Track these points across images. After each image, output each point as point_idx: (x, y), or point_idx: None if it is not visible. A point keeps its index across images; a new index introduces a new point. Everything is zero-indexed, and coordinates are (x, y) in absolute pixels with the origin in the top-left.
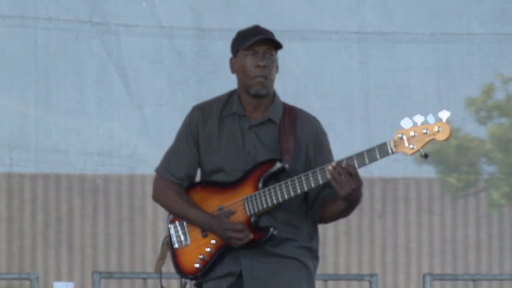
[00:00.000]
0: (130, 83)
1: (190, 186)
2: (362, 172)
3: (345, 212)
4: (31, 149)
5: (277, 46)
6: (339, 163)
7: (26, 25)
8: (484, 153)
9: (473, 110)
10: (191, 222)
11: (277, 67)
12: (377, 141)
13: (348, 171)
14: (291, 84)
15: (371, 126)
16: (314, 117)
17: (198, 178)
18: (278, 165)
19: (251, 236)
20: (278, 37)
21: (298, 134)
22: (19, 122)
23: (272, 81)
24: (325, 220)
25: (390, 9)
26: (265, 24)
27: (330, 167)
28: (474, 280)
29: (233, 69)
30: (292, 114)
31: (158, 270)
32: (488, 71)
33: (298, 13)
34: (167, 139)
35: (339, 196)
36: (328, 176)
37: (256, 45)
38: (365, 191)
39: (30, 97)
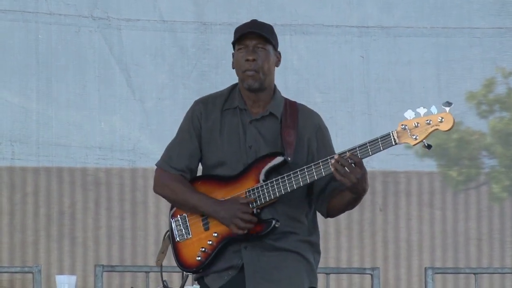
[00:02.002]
0: (131, 77)
1: (192, 180)
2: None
3: (353, 203)
4: (32, 143)
5: (269, 38)
6: (341, 155)
7: (27, 20)
8: (485, 146)
9: (474, 104)
10: (194, 208)
11: (276, 62)
12: (378, 135)
13: (352, 160)
14: (292, 78)
15: (372, 120)
16: (315, 112)
17: (199, 172)
18: (280, 158)
19: (255, 219)
20: (279, 31)
21: (299, 128)
22: (21, 116)
23: (266, 74)
24: (333, 213)
25: (390, 2)
26: (266, 18)
27: (333, 160)
28: (475, 274)
29: (233, 64)
30: (293, 108)
31: (159, 264)
32: (489, 64)
33: (299, 7)
34: (169, 133)
35: (345, 187)
36: (331, 168)
37: (246, 39)
38: None
39: (32, 91)
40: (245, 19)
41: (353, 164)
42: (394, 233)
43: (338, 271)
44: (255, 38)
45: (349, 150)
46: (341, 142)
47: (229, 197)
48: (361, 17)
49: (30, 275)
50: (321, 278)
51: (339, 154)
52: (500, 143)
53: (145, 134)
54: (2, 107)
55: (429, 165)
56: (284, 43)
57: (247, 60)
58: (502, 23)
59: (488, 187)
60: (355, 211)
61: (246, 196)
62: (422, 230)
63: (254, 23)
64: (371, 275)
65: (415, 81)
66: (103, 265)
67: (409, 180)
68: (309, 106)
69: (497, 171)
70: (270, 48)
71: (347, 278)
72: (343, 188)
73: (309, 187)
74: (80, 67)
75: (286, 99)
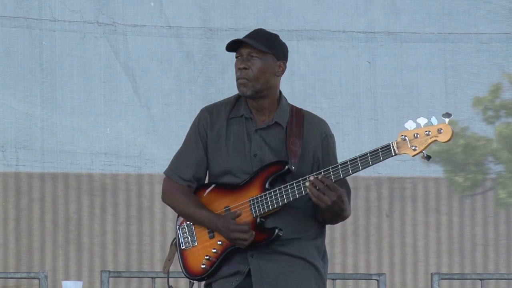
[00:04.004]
0: (137, 83)
1: (198, 188)
2: (369, 171)
3: (335, 219)
4: (37, 150)
5: (262, 48)
6: (315, 176)
7: (31, 26)
8: (491, 152)
9: (480, 109)
10: (198, 222)
11: (277, 71)
12: (385, 140)
13: (325, 183)
14: (299, 84)
15: (378, 125)
16: (322, 119)
17: (207, 180)
18: (284, 167)
19: (254, 234)
20: (286, 36)
21: (305, 136)
22: (25, 122)
23: (259, 82)
24: (326, 222)
25: (397, 8)
26: (273, 24)
27: (307, 183)
28: (481, 279)
29: None
30: (299, 116)
31: (166, 271)
32: (495, 70)
33: (306, 13)
34: (175, 139)
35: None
36: (307, 191)
37: (241, 48)
38: (372, 191)
39: (36, 97)
40: (251, 24)
41: (327, 187)
42: (401, 239)
43: (344, 277)
44: (249, 46)
45: (349, 161)
46: (347, 148)
47: (233, 208)
48: (368, 22)
49: (36, 281)
50: (327, 284)
51: (314, 176)
52: (506, 148)
53: (151, 139)
54: (7, 114)
55: (435, 170)
56: (290, 49)
57: (239, 68)
58: (509, 29)
59: (494, 193)
60: (361, 217)
61: (249, 205)
62: (429, 236)
63: (254, 32)
64: (377, 281)
65: (422, 86)
66: (109, 271)
67: (415, 186)
68: (315, 111)
69: (504, 176)
70: (267, 57)
71: (353, 284)
72: None
73: None
74: (85, 73)
75: (292, 107)
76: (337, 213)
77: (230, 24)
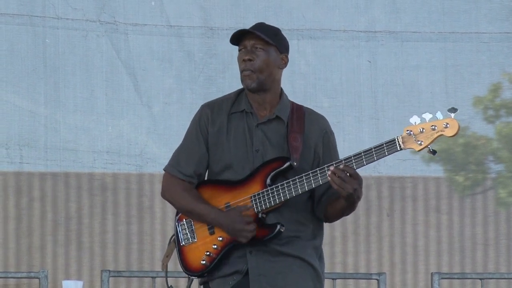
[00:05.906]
0: (138, 82)
1: (198, 184)
2: (370, 170)
3: (347, 210)
4: (41, 147)
5: (268, 39)
6: (337, 165)
7: (35, 24)
8: (492, 151)
9: (480, 109)
10: (200, 217)
11: (280, 64)
12: (385, 140)
13: (347, 172)
14: (300, 83)
15: (379, 125)
16: (322, 116)
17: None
18: (286, 163)
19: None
20: (287, 35)
21: (306, 132)
22: (29, 120)
23: (264, 74)
24: (329, 218)
25: (398, 7)
26: (273, 23)
27: (329, 171)
28: (481, 279)
29: None
30: (300, 112)
31: (164, 267)
32: (496, 70)
33: (306, 12)
34: (176, 138)
35: (340, 196)
36: (328, 179)
37: (245, 40)
38: (373, 190)
39: (40, 95)
40: (251, 23)
41: (349, 175)
42: (401, 238)
43: (345, 276)
44: (253, 38)
45: (353, 156)
46: (348, 147)
47: (233, 204)
48: (369, 21)
49: (36, 280)
50: (327, 283)
51: (335, 165)
52: (506, 148)
53: (152, 139)
54: (10, 111)
55: (436, 170)
56: (291, 48)
57: (244, 60)
58: (509, 28)
59: (494, 192)
60: (361, 216)
61: (251, 201)
62: (429, 235)
63: (256, 25)
64: (378, 280)
65: (423, 86)
66: (109, 270)
67: (415, 185)
68: (316, 111)
69: (504, 176)
70: (271, 49)
71: (353, 283)
72: (338, 196)
73: (311, 191)
74: (87, 71)
75: (293, 103)
76: (353, 202)
77: (230, 24)
